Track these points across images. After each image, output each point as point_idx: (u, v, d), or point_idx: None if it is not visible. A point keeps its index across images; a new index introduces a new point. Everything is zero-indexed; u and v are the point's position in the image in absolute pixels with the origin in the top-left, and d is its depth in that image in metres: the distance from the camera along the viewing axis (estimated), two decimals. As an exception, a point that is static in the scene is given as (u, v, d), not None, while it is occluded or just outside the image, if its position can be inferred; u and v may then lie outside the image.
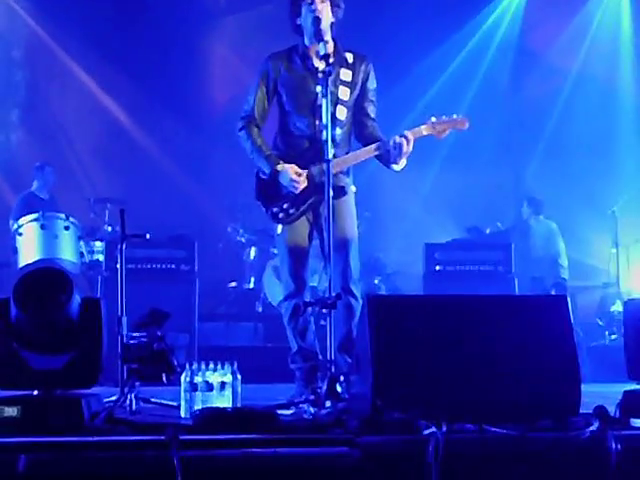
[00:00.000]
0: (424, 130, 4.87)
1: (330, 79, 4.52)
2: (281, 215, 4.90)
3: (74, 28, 10.61)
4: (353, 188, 5.03)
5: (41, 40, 10.92)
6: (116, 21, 10.59)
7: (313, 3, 4.79)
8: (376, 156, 4.88)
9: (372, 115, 5.05)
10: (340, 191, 4.80)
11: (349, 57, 4.93)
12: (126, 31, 10.61)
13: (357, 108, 4.98)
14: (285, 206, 4.89)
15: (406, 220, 10.91)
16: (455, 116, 4.93)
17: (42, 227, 7.30)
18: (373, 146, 4.85)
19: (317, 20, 4.75)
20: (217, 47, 11.09)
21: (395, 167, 4.85)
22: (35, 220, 7.35)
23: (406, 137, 4.74)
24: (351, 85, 4.91)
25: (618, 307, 8.49)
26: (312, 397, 4.24)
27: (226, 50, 10.78)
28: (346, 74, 4.90)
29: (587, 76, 11.02)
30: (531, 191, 10.80)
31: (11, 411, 3.56)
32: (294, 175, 4.81)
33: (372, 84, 5.02)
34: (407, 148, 4.74)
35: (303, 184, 4.83)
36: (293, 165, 4.84)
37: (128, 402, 4.28)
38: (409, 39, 10.57)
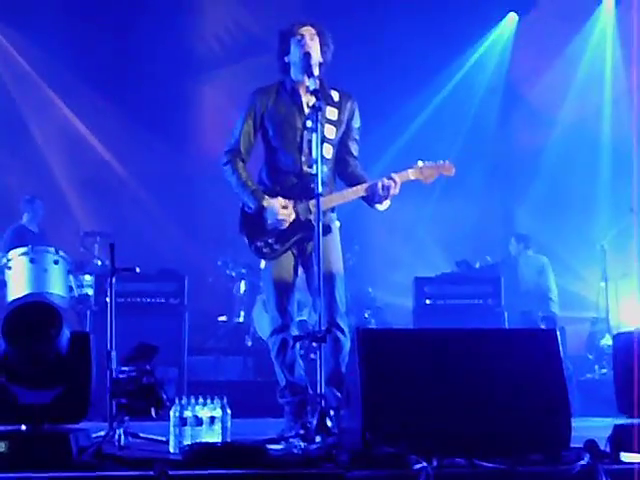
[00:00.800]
0: (411, 174, 4.92)
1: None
2: (265, 250, 4.90)
3: (64, 65, 10.64)
4: (337, 223, 5.04)
5: (29, 76, 10.93)
6: (109, 61, 10.63)
7: (303, 39, 4.84)
8: (361, 196, 4.91)
9: (355, 153, 5.08)
10: (326, 229, 4.76)
11: (335, 95, 4.95)
12: (119, 71, 10.66)
13: (341, 146, 5.00)
14: (270, 241, 4.88)
15: (395, 254, 10.94)
16: (442, 162, 4.98)
17: (31, 261, 7.29)
18: (362, 187, 4.85)
19: (307, 55, 4.79)
20: (210, 94, 11.18)
21: (379, 207, 4.88)
22: (24, 254, 7.34)
23: (394, 180, 4.78)
24: (337, 123, 4.93)
25: (608, 341, 8.49)
26: (302, 431, 4.23)
27: (219, 97, 10.85)
28: (332, 112, 4.91)
29: (574, 114, 11.12)
30: (520, 225, 10.88)
31: (-1, 446, 3.53)
32: (281, 210, 4.81)
33: (356, 122, 5.05)
34: (394, 191, 4.79)
35: (291, 217, 4.83)
36: (279, 198, 4.84)
37: (117, 437, 4.25)
38: (398, 74, 10.67)
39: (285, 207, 4.83)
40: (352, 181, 4.97)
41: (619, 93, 11.08)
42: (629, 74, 10.88)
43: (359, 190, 4.87)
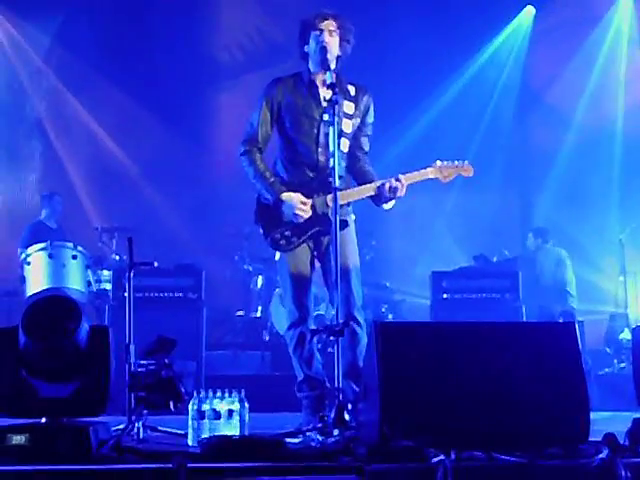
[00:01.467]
0: (430, 173, 4.93)
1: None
2: (282, 242, 4.88)
3: (81, 63, 10.69)
4: (353, 216, 5.04)
5: (45, 73, 10.99)
6: (128, 61, 10.68)
7: (322, 35, 4.82)
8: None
9: (365, 148, 5.08)
10: (342, 223, 4.72)
11: (351, 89, 4.94)
12: (139, 71, 10.71)
13: (353, 140, 4.99)
14: (287, 233, 4.87)
15: (413, 248, 10.92)
16: (461, 162, 5.00)
17: (50, 256, 7.33)
18: (372, 186, 4.84)
19: (324, 50, 4.78)
20: (228, 96, 11.19)
21: (385, 206, 4.90)
22: (43, 249, 7.38)
23: (401, 181, 4.78)
24: (353, 117, 4.93)
25: (627, 335, 8.45)
26: (320, 425, 4.23)
27: (237, 99, 10.82)
28: (349, 106, 4.91)
29: (592, 108, 11.07)
30: (538, 219, 10.84)
31: (19, 439, 3.56)
32: (299, 205, 4.80)
33: (370, 118, 5.05)
34: (401, 192, 4.79)
35: (307, 214, 4.82)
36: (299, 194, 4.82)
37: (135, 430, 4.27)
38: (415, 67, 10.65)
39: (304, 204, 4.82)
40: (360, 176, 4.98)
41: (636, 89, 11.02)
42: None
43: (369, 189, 4.86)
